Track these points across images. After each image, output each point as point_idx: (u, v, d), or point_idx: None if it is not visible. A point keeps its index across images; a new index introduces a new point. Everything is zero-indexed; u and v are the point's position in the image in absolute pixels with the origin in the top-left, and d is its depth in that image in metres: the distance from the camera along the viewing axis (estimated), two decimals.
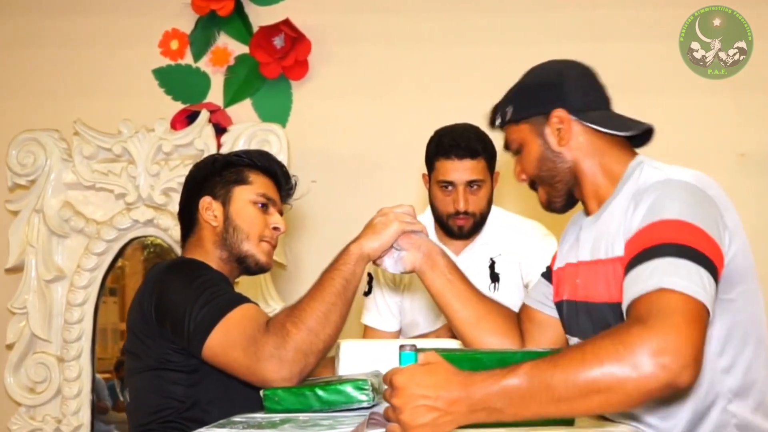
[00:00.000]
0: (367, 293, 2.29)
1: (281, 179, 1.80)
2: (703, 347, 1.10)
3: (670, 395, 1.18)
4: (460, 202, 2.12)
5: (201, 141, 2.77)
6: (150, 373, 1.58)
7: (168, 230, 2.74)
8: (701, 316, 1.11)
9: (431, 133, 2.21)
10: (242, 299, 1.54)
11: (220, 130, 2.87)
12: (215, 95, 3.19)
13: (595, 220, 1.43)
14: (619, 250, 1.31)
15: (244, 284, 2.52)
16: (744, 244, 1.31)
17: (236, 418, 1.33)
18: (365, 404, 1.37)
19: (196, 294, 1.51)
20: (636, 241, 1.23)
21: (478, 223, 2.17)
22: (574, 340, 1.48)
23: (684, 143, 2.91)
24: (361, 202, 3.00)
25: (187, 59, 3.21)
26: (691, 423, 1.28)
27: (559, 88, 1.45)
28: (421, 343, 1.30)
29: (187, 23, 3.21)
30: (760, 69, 3.02)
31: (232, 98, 3.17)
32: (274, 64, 3.12)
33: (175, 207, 2.64)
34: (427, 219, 2.21)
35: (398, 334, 2.30)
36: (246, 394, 1.51)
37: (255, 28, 3.16)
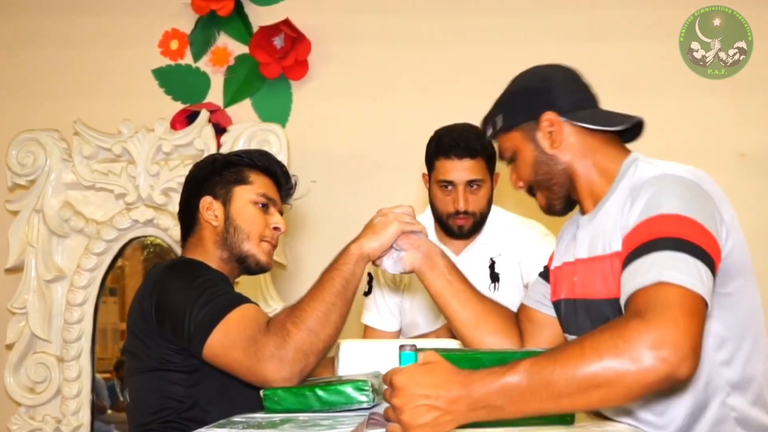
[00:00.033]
0: (367, 293, 2.29)
1: (281, 179, 1.80)
2: (702, 339, 1.11)
3: (669, 388, 1.19)
4: (459, 202, 2.12)
5: (201, 141, 2.77)
6: (150, 373, 1.58)
7: (168, 230, 2.74)
8: (699, 309, 1.12)
9: (431, 133, 2.21)
10: (242, 299, 1.54)
11: (219, 130, 2.87)
12: (215, 95, 3.19)
13: (591, 218, 1.43)
14: (616, 246, 1.31)
15: (244, 284, 2.52)
16: (740, 238, 1.31)
17: (236, 418, 1.33)
18: (365, 405, 1.37)
19: (196, 294, 1.51)
20: (633, 235, 1.24)
21: (477, 222, 2.17)
22: (572, 339, 1.48)
23: (684, 143, 2.92)
24: (361, 202, 3.00)
25: (187, 59, 3.21)
26: (690, 417, 1.29)
27: (547, 92, 1.46)
28: (420, 344, 1.30)
29: (187, 23, 3.22)
30: (760, 69, 3.02)
31: (232, 98, 3.17)
32: (274, 64, 3.12)
33: (174, 207, 2.64)
34: (427, 219, 2.21)
35: (398, 334, 2.30)
36: (246, 394, 1.51)
37: (255, 28, 3.16)
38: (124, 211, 2.77)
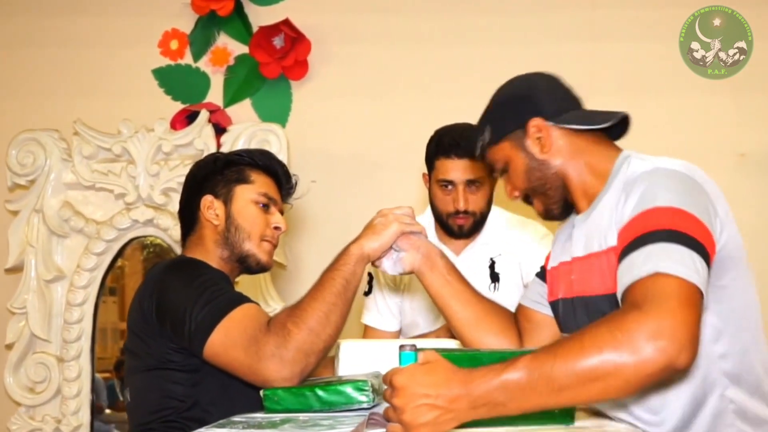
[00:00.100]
0: (367, 293, 2.29)
1: (282, 179, 1.80)
2: (699, 329, 1.12)
3: (668, 378, 1.20)
4: (459, 202, 2.12)
5: (201, 141, 2.77)
6: (151, 372, 1.58)
7: (168, 230, 2.74)
8: (696, 299, 1.13)
9: (431, 133, 2.21)
10: (243, 299, 1.54)
11: (219, 130, 2.87)
12: (215, 95, 3.19)
13: (586, 217, 1.44)
14: (612, 241, 1.32)
15: (243, 284, 2.52)
16: (734, 231, 1.32)
17: (236, 418, 1.33)
18: (365, 405, 1.37)
19: (197, 293, 1.51)
20: (629, 229, 1.25)
21: (478, 222, 2.17)
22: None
23: (684, 143, 2.92)
24: (361, 202, 3.00)
25: (187, 59, 3.21)
26: (689, 411, 1.29)
27: (530, 99, 1.47)
28: (419, 344, 1.30)
29: (186, 23, 3.21)
30: (760, 69, 3.02)
31: (231, 98, 3.17)
32: (274, 64, 3.12)
33: (174, 207, 2.64)
34: (427, 219, 2.21)
35: (398, 334, 2.30)
36: (247, 394, 1.51)
37: (255, 28, 3.16)
38: (123, 211, 2.77)
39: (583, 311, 1.42)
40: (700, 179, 1.31)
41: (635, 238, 1.21)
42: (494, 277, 2.17)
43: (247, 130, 2.78)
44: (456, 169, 2.11)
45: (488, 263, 2.18)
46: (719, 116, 3.04)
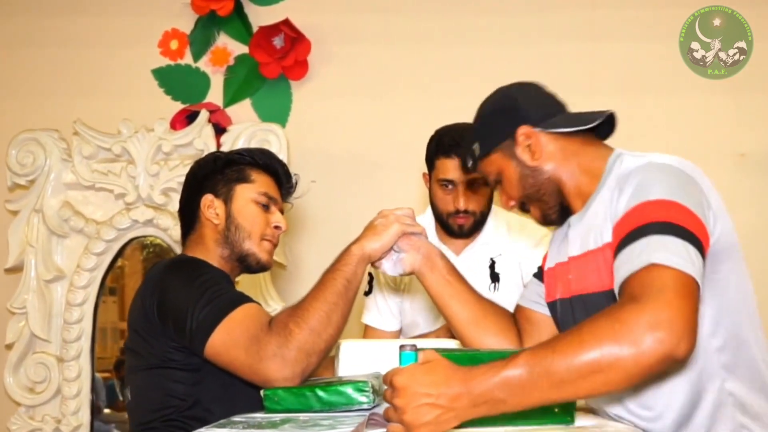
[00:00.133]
0: (367, 293, 2.29)
1: (282, 178, 1.81)
2: (697, 319, 1.13)
3: (668, 369, 1.21)
4: (460, 201, 2.13)
5: (201, 141, 2.77)
6: (152, 371, 1.58)
7: (167, 230, 2.74)
8: (692, 289, 1.14)
9: (431, 133, 2.21)
10: (244, 298, 1.54)
11: (219, 130, 2.87)
12: (215, 95, 3.19)
13: (581, 216, 1.45)
14: (607, 237, 1.33)
15: (243, 284, 2.52)
16: (728, 223, 1.33)
17: (236, 418, 1.33)
18: (365, 405, 1.37)
19: (198, 293, 1.52)
20: (623, 223, 1.26)
21: (478, 222, 2.18)
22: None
23: (684, 143, 2.92)
24: (361, 202, 3.01)
25: (187, 59, 3.21)
26: (689, 405, 1.30)
27: (515, 108, 1.48)
28: (419, 344, 1.30)
29: (186, 23, 3.21)
30: (760, 69, 3.02)
31: (231, 98, 3.17)
32: (274, 64, 3.12)
33: (174, 207, 2.64)
34: (427, 218, 2.22)
35: (398, 333, 2.30)
36: (248, 393, 1.52)
37: (255, 28, 3.16)
38: (123, 211, 2.77)
39: (582, 310, 1.42)
40: (692, 173, 1.32)
41: (630, 232, 1.22)
42: (494, 277, 2.17)
43: (247, 130, 2.78)
44: (456, 168, 2.11)
45: (488, 263, 2.18)
46: (719, 116, 3.05)
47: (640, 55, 3.07)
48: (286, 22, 3.07)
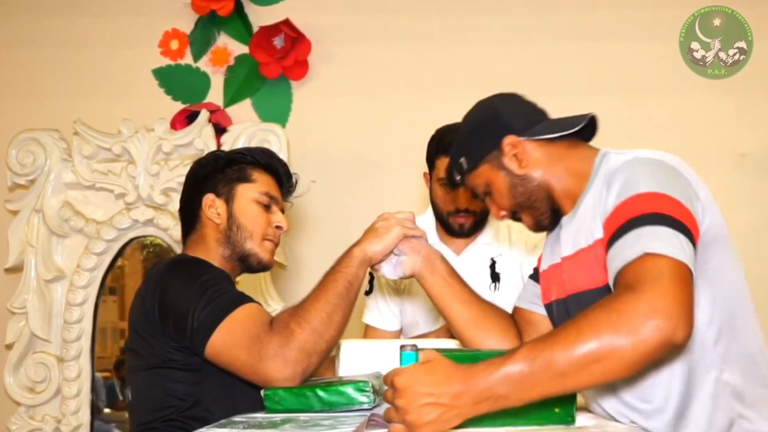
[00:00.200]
0: (368, 293, 2.29)
1: (283, 177, 1.81)
2: (693, 305, 1.14)
3: (667, 356, 1.22)
4: (460, 200, 2.13)
5: (201, 141, 2.77)
6: (152, 370, 1.58)
7: (168, 230, 2.74)
8: (686, 276, 1.16)
9: (431, 133, 2.21)
10: (245, 298, 1.54)
11: (219, 130, 2.87)
12: (215, 95, 3.19)
13: (572, 217, 1.46)
14: (598, 234, 1.35)
15: (244, 284, 2.52)
16: (717, 214, 1.34)
17: (237, 418, 1.33)
18: (366, 405, 1.37)
19: (199, 292, 1.51)
20: (613, 218, 1.27)
21: (478, 221, 2.18)
22: None
23: (684, 143, 2.92)
24: (361, 202, 3.01)
25: (187, 59, 3.21)
26: (687, 397, 1.31)
27: (499, 119, 1.50)
28: (419, 344, 1.30)
29: (187, 23, 3.21)
30: (760, 69, 3.02)
31: (232, 98, 3.17)
32: (274, 64, 3.12)
33: (174, 207, 2.64)
34: (428, 218, 2.22)
35: (399, 333, 2.30)
36: (248, 393, 1.51)
37: (255, 28, 3.16)
38: (123, 210, 2.77)
39: (577, 308, 1.43)
40: (677, 166, 1.34)
41: (621, 225, 1.24)
42: (495, 277, 2.17)
43: (247, 130, 2.78)
44: None
45: (489, 263, 2.18)
46: (719, 116, 3.05)
47: (640, 55, 3.07)
48: (287, 22, 3.07)
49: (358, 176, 3.11)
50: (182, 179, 1.85)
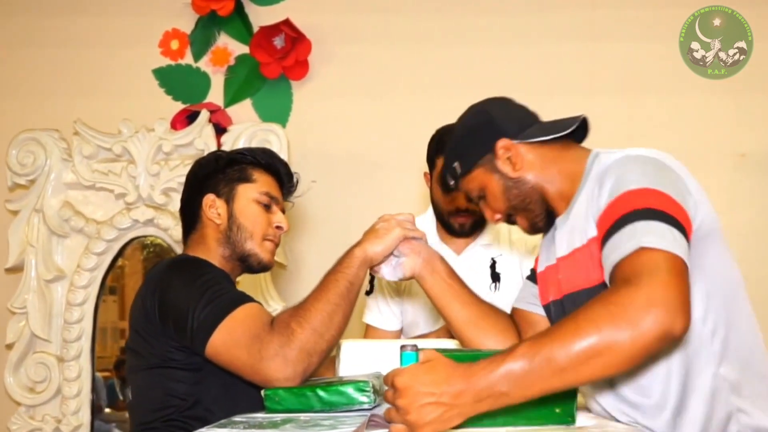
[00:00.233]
0: (369, 292, 2.29)
1: (284, 177, 1.81)
2: (689, 296, 1.15)
3: (666, 347, 1.21)
4: (461, 200, 2.13)
5: (201, 141, 2.77)
6: (153, 370, 1.58)
7: (168, 230, 2.74)
8: (682, 269, 1.16)
9: (431, 133, 2.21)
10: (246, 298, 1.54)
11: (220, 130, 2.87)
12: (215, 95, 3.19)
13: (566, 217, 1.47)
14: (592, 232, 1.36)
15: (244, 284, 2.52)
16: (709, 209, 1.35)
17: (237, 418, 1.33)
18: (366, 405, 1.37)
19: (200, 292, 1.52)
20: (606, 215, 1.28)
21: (479, 220, 2.18)
22: None
23: (684, 143, 2.92)
24: (361, 202, 3.01)
25: (188, 59, 3.21)
26: (685, 392, 1.31)
27: (491, 123, 1.51)
28: (419, 344, 1.30)
29: (187, 23, 3.21)
30: (760, 69, 3.02)
31: (232, 98, 3.17)
32: (275, 64, 3.12)
33: (175, 207, 2.64)
34: (428, 218, 2.22)
35: (399, 333, 2.30)
36: (249, 393, 1.52)
37: (255, 28, 3.16)
38: (124, 210, 2.77)
39: (573, 308, 1.43)
40: (669, 162, 1.35)
41: (614, 222, 1.24)
42: (495, 277, 2.17)
43: (247, 130, 2.78)
44: None
45: (489, 263, 2.19)
46: (719, 116, 3.05)
47: (640, 55, 3.07)
48: (287, 22, 3.07)
49: (358, 176, 3.11)
50: (182, 179, 1.85)
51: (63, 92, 3.22)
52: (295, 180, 1.84)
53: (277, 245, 1.78)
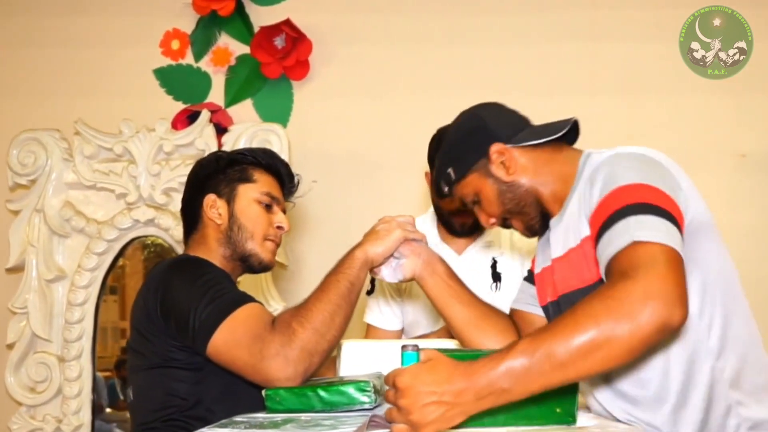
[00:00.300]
0: (369, 292, 2.29)
1: (285, 177, 1.81)
2: (686, 287, 1.15)
3: (665, 338, 1.22)
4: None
5: (202, 141, 2.78)
6: (154, 370, 1.58)
7: (169, 230, 2.75)
8: (677, 261, 1.17)
9: (431, 133, 2.21)
10: (247, 298, 1.55)
11: (221, 130, 2.88)
12: (216, 95, 3.19)
13: (560, 218, 1.48)
14: (585, 231, 1.37)
15: (245, 284, 2.52)
16: (701, 203, 1.36)
17: (238, 418, 1.33)
18: (367, 406, 1.37)
19: (201, 292, 1.52)
20: (599, 212, 1.29)
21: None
22: None
23: (684, 143, 2.92)
24: (361, 202, 3.01)
25: (188, 59, 3.21)
26: (684, 387, 1.32)
27: (484, 128, 1.52)
28: (420, 344, 1.31)
29: (188, 23, 3.21)
30: (760, 69, 3.02)
31: (233, 98, 3.17)
32: (275, 64, 3.12)
33: (175, 207, 2.64)
34: (429, 218, 2.22)
35: (400, 333, 2.30)
36: (250, 393, 1.52)
37: (256, 28, 3.16)
38: (125, 210, 2.77)
39: (569, 308, 1.44)
40: (658, 158, 1.36)
41: (607, 218, 1.25)
42: (496, 277, 2.17)
43: (248, 130, 2.79)
44: None
45: (490, 263, 2.19)
46: (719, 116, 3.05)
47: (640, 55, 3.07)
48: (288, 22, 3.07)
49: (359, 176, 3.11)
50: (183, 179, 1.85)
51: (64, 92, 3.22)
52: (296, 180, 1.84)
53: (278, 245, 1.78)
